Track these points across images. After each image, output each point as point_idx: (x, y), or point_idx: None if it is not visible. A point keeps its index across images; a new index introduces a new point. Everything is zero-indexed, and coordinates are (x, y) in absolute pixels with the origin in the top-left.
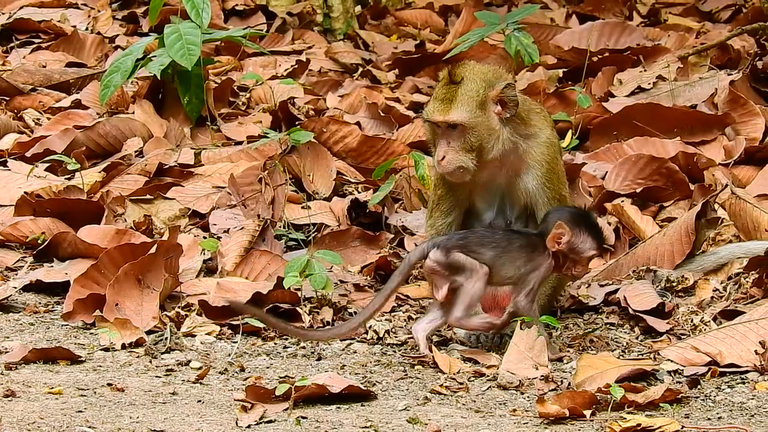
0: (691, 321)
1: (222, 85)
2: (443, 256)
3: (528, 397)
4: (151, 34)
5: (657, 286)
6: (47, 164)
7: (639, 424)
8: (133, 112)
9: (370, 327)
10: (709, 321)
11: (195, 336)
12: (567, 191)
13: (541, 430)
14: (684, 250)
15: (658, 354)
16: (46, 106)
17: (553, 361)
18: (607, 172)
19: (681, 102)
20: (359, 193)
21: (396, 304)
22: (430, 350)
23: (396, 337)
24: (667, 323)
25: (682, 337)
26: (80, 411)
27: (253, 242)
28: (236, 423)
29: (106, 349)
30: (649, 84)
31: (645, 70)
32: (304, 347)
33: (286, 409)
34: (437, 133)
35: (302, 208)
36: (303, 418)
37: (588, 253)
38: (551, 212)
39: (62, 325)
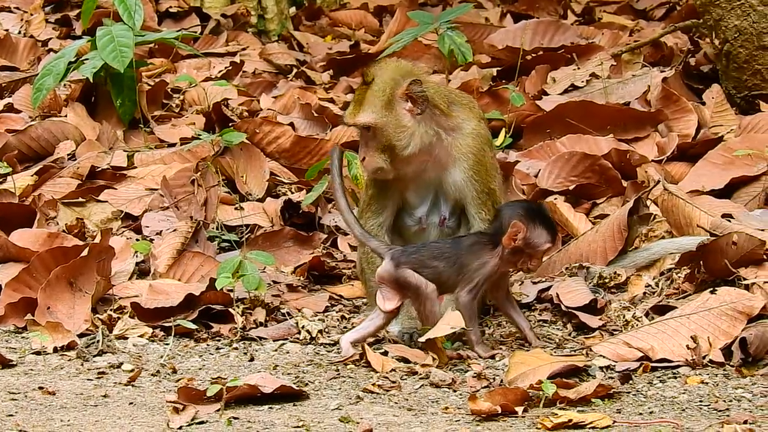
0: (623, 317)
1: (155, 87)
2: (393, 269)
3: (460, 394)
4: (84, 36)
5: (590, 283)
6: None
7: (571, 420)
8: (66, 115)
9: (303, 327)
10: (641, 317)
11: (127, 338)
12: (497, 184)
13: (474, 427)
14: (617, 247)
15: (590, 350)
16: None
17: (486, 359)
18: (540, 169)
19: (614, 99)
20: (292, 193)
21: (329, 304)
22: (364, 349)
23: (329, 336)
24: (600, 319)
25: (615, 333)
26: (11, 415)
27: (185, 244)
28: (168, 425)
29: (38, 353)
30: (582, 82)
31: (578, 68)
32: (236, 348)
33: (218, 410)
34: (358, 133)
35: (235, 209)
36: (235, 418)
37: (544, 246)
38: (503, 210)
39: None
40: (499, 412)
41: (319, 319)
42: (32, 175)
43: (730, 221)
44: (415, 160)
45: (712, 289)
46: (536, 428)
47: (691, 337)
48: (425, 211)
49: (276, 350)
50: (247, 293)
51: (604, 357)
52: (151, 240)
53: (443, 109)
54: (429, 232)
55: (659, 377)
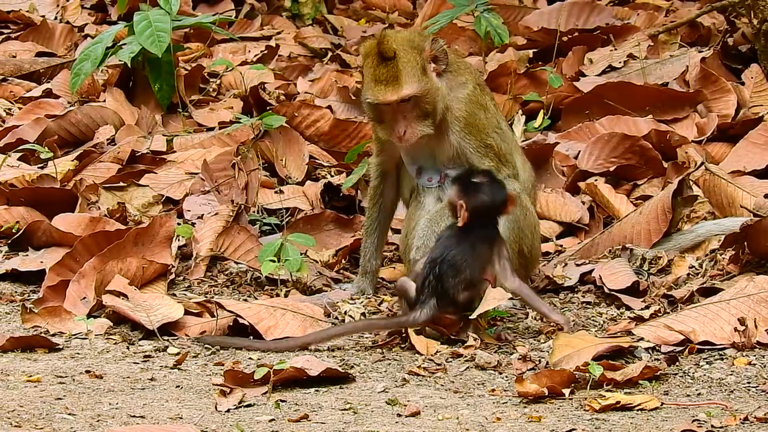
0: (667, 299)
1: (192, 71)
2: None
3: (506, 376)
4: (119, 22)
5: (633, 264)
6: (20, 153)
7: (618, 402)
8: (104, 100)
9: (345, 312)
10: (684, 298)
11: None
12: (495, 137)
13: (521, 409)
14: (661, 229)
15: (631, 333)
16: (17, 95)
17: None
18: (580, 151)
19: (652, 80)
20: (332, 176)
21: None
22: (407, 333)
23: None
24: (642, 301)
25: (658, 315)
26: (59, 398)
27: (227, 227)
28: (215, 407)
29: (84, 337)
30: (619, 63)
31: (615, 49)
32: None
33: (265, 393)
34: (385, 111)
35: (275, 192)
36: (282, 401)
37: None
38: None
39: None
40: (546, 394)
41: (360, 303)
42: (73, 160)
43: None
44: None
45: (749, 277)
46: (584, 410)
47: (739, 319)
48: (425, 168)
49: None
50: (290, 275)
51: (645, 340)
52: (193, 224)
53: (453, 67)
54: (428, 191)
55: (706, 359)
